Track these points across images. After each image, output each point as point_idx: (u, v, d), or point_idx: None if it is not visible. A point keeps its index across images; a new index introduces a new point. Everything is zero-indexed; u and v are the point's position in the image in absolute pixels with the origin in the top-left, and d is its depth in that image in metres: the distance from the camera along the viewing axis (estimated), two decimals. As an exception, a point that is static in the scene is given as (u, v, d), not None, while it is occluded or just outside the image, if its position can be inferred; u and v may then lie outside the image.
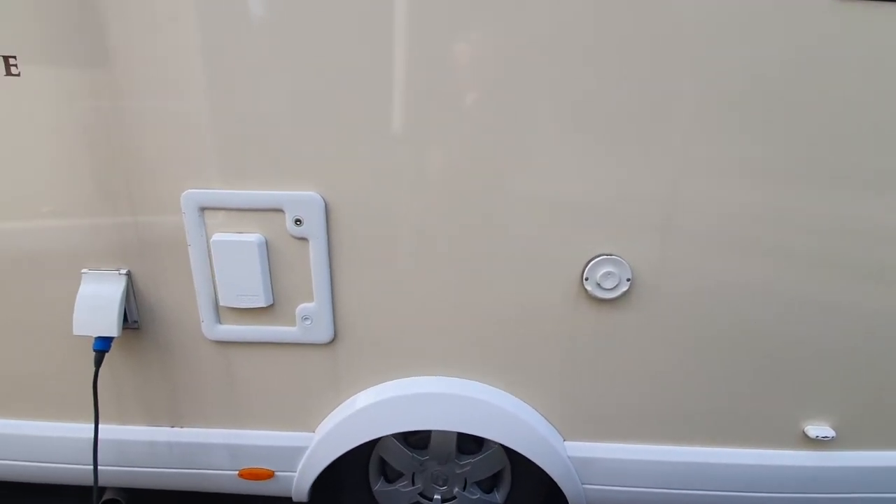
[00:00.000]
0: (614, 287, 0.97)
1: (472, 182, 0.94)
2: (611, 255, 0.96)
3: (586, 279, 0.97)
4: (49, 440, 1.15)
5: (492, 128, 0.91)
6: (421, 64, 0.87)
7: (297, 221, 0.96)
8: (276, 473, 1.16)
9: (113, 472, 1.17)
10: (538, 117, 0.90)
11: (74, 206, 0.98)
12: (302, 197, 0.94)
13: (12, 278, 1.04)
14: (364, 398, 1.08)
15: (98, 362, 1.01)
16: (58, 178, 0.97)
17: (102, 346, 1.01)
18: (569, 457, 1.12)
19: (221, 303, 1.00)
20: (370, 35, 0.86)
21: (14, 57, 0.90)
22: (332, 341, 1.05)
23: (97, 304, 1.00)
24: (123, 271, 1.02)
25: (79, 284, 1.02)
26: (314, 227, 0.96)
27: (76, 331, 1.00)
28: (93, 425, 1.03)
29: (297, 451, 1.14)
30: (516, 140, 0.91)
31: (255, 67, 0.88)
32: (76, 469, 1.16)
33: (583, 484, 1.14)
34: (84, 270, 1.02)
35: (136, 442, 1.14)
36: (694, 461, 1.13)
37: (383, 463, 1.27)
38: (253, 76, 0.89)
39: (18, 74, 0.91)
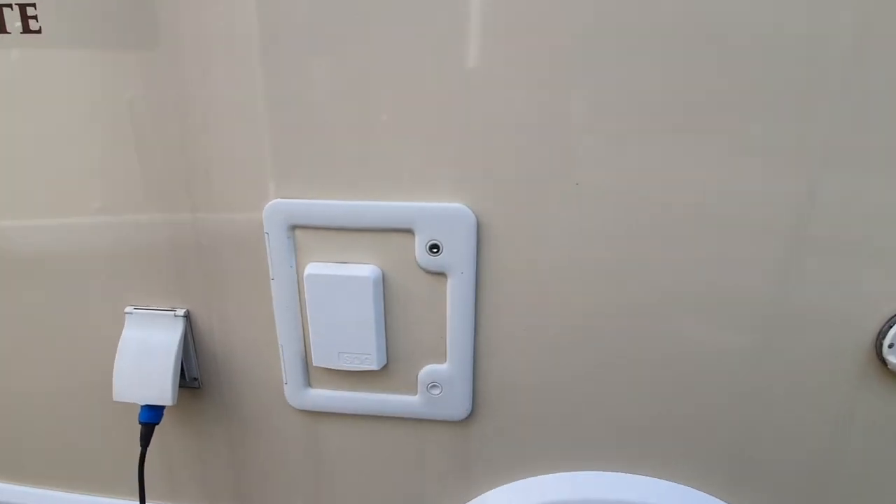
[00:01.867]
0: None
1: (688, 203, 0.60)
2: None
3: (890, 346, 0.61)
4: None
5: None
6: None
7: (434, 248, 0.64)
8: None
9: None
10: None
11: (116, 220, 0.70)
12: (444, 211, 0.62)
13: (43, 315, 0.77)
14: (512, 497, 0.76)
15: (145, 439, 0.73)
16: (95, 181, 0.68)
17: (151, 417, 0.72)
18: None
19: (315, 361, 0.70)
20: None
21: (33, 5, 0.62)
22: (468, 418, 0.74)
23: (146, 358, 0.72)
24: (181, 312, 0.73)
25: (121, 328, 0.74)
26: (459, 257, 0.63)
27: (117, 396, 0.72)
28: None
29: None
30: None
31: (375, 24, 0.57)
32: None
33: None
34: (128, 309, 0.74)
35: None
36: None
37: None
38: (371, 41, 0.58)
39: (39, 31, 0.63)
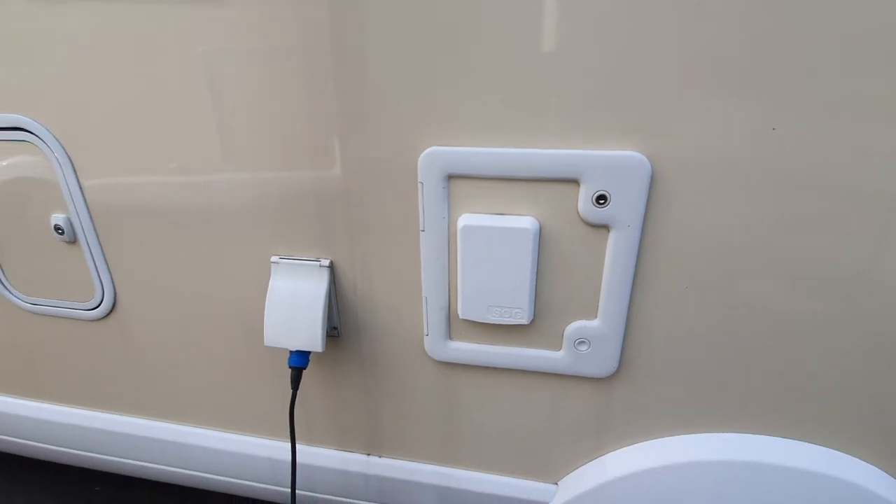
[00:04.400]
0: None
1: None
2: None
3: None
4: (239, 456, 0.95)
5: None
6: None
7: (601, 199, 0.60)
8: (496, 525, 0.89)
9: (304, 497, 0.97)
10: None
11: (260, 167, 0.71)
12: (617, 160, 0.58)
13: (194, 262, 0.81)
14: (655, 453, 0.75)
15: (295, 382, 0.76)
16: (246, 135, 0.69)
17: (300, 361, 0.75)
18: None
19: (461, 314, 0.69)
20: None
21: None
22: (612, 375, 0.72)
23: (294, 306, 0.74)
24: (326, 262, 0.74)
25: (267, 277, 0.76)
26: (627, 209, 0.60)
27: (268, 341, 0.75)
28: (290, 454, 0.79)
29: (528, 505, 0.86)
30: None
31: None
32: (255, 487, 0.98)
33: None
34: (274, 258, 0.76)
35: (325, 469, 0.91)
36: None
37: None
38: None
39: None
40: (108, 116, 0.73)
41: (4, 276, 0.90)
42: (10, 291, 0.92)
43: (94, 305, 0.87)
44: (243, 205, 0.73)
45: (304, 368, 0.76)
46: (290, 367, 0.75)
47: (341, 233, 0.72)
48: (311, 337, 0.73)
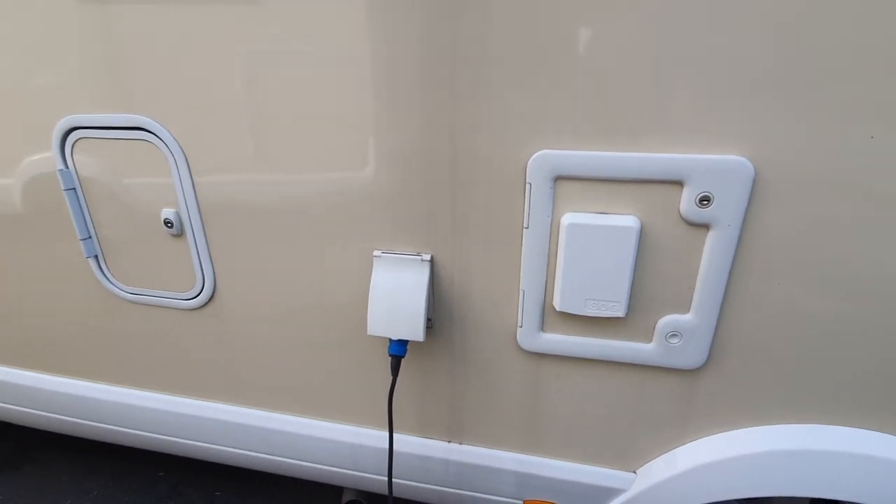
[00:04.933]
0: None
1: None
2: None
3: None
4: (322, 441, 1.00)
5: None
6: None
7: (704, 200, 0.64)
8: (572, 512, 0.93)
9: (375, 481, 1.02)
10: None
11: (366, 167, 0.76)
12: (722, 164, 0.62)
13: (296, 255, 0.85)
14: (736, 443, 0.79)
15: (395, 370, 0.80)
16: (352, 129, 0.73)
17: (400, 350, 0.80)
18: None
19: (559, 307, 0.74)
20: None
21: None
22: (700, 367, 0.76)
23: (397, 298, 0.78)
24: (427, 257, 0.79)
25: (370, 270, 0.81)
26: (729, 210, 0.64)
27: (371, 330, 0.80)
28: (388, 441, 0.84)
29: (606, 493, 0.89)
30: None
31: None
32: (334, 472, 1.03)
33: None
34: (376, 253, 0.80)
35: (405, 454, 0.96)
36: None
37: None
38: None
39: (325, -13, 0.67)
40: (222, 117, 0.78)
41: (106, 265, 0.96)
42: (109, 280, 0.97)
43: (194, 295, 0.93)
44: (348, 202, 0.78)
45: (403, 357, 0.80)
46: (389, 355, 0.80)
47: (443, 229, 0.76)
48: (413, 327, 0.77)
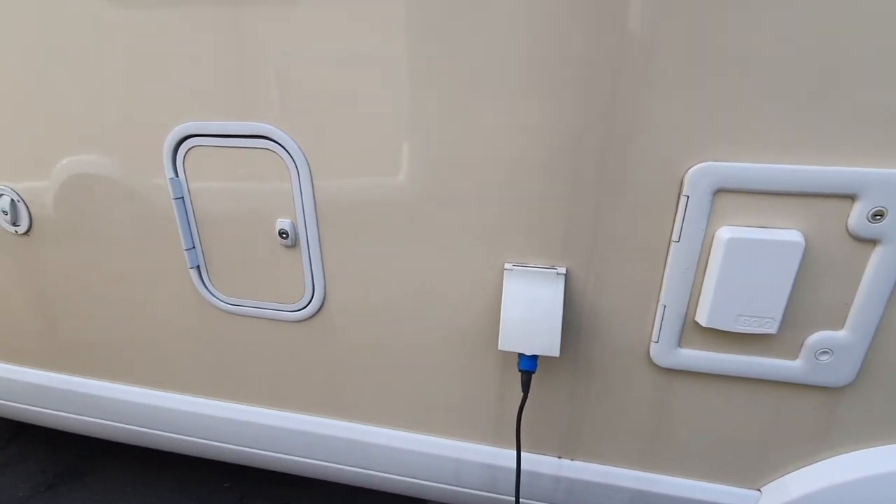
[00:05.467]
0: None
1: None
2: None
3: None
4: (426, 457, 0.97)
5: None
6: None
7: (877, 215, 0.63)
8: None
9: (477, 497, 0.99)
10: None
11: (499, 179, 0.74)
12: (903, 178, 0.61)
13: (416, 267, 0.83)
14: (872, 462, 0.77)
15: (526, 385, 0.78)
16: (488, 139, 0.72)
17: (531, 365, 0.78)
18: None
19: (705, 322, 0.71)
20: None
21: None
22: (847, 385, 0.74)
23: (530, 312, 0.76)
24: (561, 270, 0.77)
25: (496, 282, 0.79)
26: (904, 226, 0.63)
27: (503, 345, 0.77)
28: (515, 459, 0.82)
29: (727, 510, 0.87)
30: None
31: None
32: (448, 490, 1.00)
33: None
34: (507, 265, 0.78)
35: (511, 469, 0.93)
36: None
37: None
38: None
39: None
40: (346, 126, 0.76)
41: (208, 275, 0.94)
42: (210, 292, 0.95)
43: (302, 306, 0.90)
44: (481, 211, 0.76)
45: (534, 372, 0.78)
46: (520, 370, 0.78)
47: (582, 241, 0.74)
48: (548, 342, 0.75)
